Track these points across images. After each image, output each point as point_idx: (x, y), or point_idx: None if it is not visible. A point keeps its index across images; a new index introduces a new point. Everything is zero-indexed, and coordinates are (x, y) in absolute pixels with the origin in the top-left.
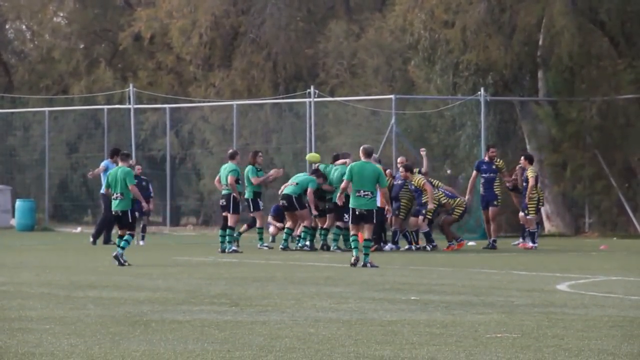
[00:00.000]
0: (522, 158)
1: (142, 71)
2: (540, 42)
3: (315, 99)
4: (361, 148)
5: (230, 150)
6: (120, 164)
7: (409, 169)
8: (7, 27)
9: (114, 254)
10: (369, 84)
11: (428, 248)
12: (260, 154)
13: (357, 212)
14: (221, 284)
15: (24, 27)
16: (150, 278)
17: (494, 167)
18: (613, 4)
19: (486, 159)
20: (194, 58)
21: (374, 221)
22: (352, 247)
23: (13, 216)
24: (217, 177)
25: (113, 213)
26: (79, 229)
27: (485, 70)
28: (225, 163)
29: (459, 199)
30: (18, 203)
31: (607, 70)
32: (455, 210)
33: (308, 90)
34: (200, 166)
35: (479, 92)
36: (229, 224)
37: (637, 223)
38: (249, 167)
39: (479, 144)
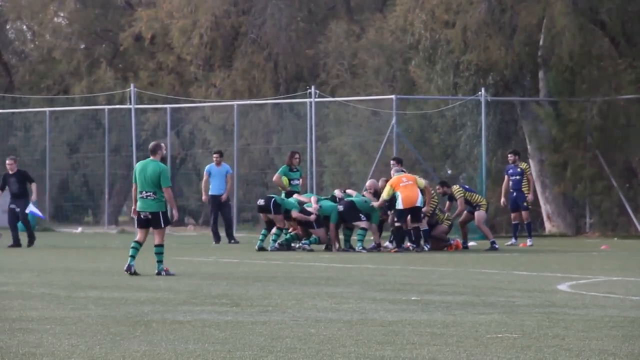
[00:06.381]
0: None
1: (142, 71)
2: (541, 42)
3: (316, 99)
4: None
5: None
6: None
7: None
8: (7, 27)
9: None
10: (369, 84)
11: (426, 248)
12: (297, 154)
13: (142, 216)
14: (222, 285)
15: (24, 27)
16: (151, 278)
17: (518, 169)
18: (614, 4)
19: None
20: (194, 58)
21: (162, 226)
22: (130, 254)
23: None
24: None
25: None
26: (79, 230)
27: (486, 71)
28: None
29: (446, 214)
30: None
31: (608, 70)
32: (445, 221)
33: (309, 90)
34: (201, 166)
35: (480, 92)
36: (279, 225)
37: (638, 223)
38: (282, 167)
39: (480, 144)
